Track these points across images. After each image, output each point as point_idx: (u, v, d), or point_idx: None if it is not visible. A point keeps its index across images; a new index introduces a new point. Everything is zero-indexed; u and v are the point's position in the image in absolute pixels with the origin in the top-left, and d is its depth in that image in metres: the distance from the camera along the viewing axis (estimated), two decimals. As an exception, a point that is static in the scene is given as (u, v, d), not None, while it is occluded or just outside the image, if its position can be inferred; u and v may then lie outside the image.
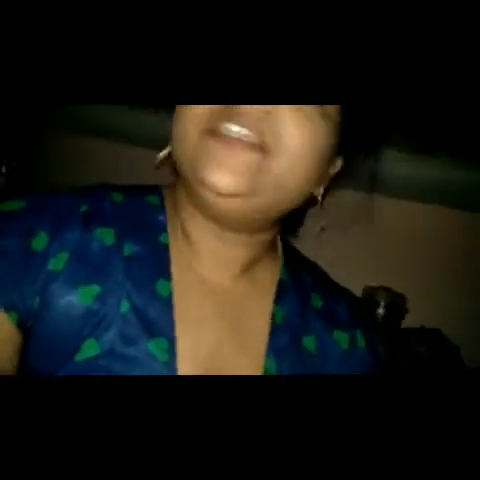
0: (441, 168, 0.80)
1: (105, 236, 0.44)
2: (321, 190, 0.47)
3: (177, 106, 0.43)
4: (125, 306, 0.42)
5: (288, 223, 0.52)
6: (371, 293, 0.81)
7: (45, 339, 0.41)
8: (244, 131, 0.40)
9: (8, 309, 0.40)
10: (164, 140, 0.47)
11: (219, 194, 0.40)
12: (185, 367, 0.42)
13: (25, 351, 0.41)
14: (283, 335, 0.48)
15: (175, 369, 0.41)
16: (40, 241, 0.41)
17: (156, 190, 0.49)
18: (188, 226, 0.47)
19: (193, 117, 0.41)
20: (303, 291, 0.51)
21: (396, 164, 0.81)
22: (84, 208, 0.44)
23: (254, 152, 0.40)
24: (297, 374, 0.47)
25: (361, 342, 0.51)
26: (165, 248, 0.46)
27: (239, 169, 0.40)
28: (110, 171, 0.95)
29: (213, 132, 0.40)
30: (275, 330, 0.48)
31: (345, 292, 0.55)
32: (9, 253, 0.40)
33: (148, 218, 0.47)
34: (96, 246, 0.43)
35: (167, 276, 0.45)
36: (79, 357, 0.40)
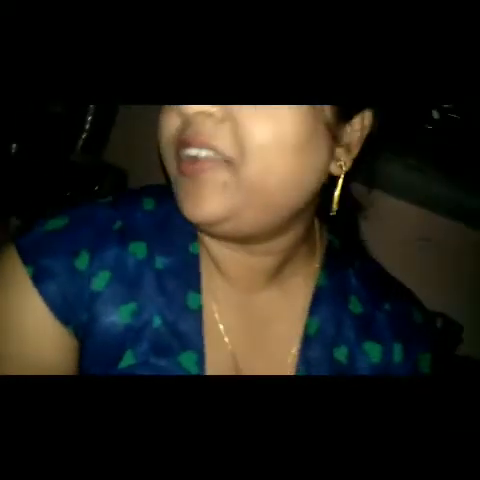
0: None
1: (138, 250, 0.44)
2: (343, 166, 0.42)
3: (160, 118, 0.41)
4: (157, 321, 0.43)
5: (323, 213, 0.46)
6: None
7: (94, 350, 0.43)
8: (203, 152, 0.38)
9: (65, 323, 0.42)
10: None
11: (199, 224, 0.40)
12: None
13: (79, 360, 0.44)
14: (315, 347, 0.46)
15: None
16: (82, 260, 0.42)
17: None
18: (205, 239, 0.45)
19: (166, 140, 0.40)
20: (342, 296, 0.48)
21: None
22: (118, 224, 0.44)
23: (221, 170, 0.38)
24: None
25: (398, 356, 0.48)
26: (195, 258, 0.45)
27: (206, 195, 0.38)
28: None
29: (179, 160, 0.39)
30: (307, 342, 0.46)
31: (395, 295, 0.50)
32: (57, 273, 0.42)
33: (179, 226, 0.45)
34: (131, 262, 0.44)
35: (197, 288, 0.44)
36: (120, 365, 0.42)
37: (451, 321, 0.79)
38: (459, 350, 0.80)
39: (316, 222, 0.50)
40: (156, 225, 0.45)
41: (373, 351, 0.47)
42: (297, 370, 0.46)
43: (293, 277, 0.47)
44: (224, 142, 0.37)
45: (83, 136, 0.96)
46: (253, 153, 0.37)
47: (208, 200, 0.38)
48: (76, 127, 0.95)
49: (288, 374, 0.46)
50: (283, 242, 0.45)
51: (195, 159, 0.38)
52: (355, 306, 0.48)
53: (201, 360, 0.43)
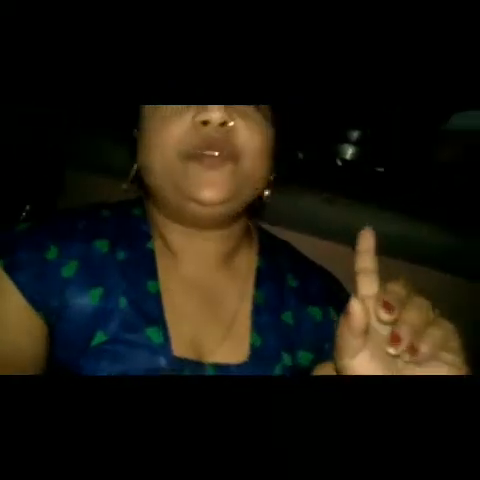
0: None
1: (101, 246, 0.53)
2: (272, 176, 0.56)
3: (141, 137, 0.51)
4: (123, 302, 0.51)
5: (253, 210, 0.59)
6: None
7: (66, 333, 0.49)
8: (216, 152, 0.49)
9: (37, 309, 0.49)
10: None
11: (208, 205, 0.49)
12: (178, 347, 0.51)
13: (51, 344, 0.50)
14: (264, 314, 0.56)
15: (170, 349, 0.50)
16: (52, 252, 0.50)
17: (139, 202, 0.59)
18: (164, 233, 0.56)
19: (170, 145, 0.49)
20: (279, 274, 0.60)
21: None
22: (82, 224, 0.53)
23: (227, 163, 0.49)
24: (280, 345, 0.54)
25: (334, 316, 0.59)
26: (151, 253, 0.54)
27: (221, 182, 0.49)
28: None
29: (192, 157, 0.48)
30: (257, 310, 0.56)
31: (319, 272, 0.64)
32: (28, 264, 0.49)
33: (134, 228, 0.56)
34: (96, 254, 0.52)
35: (154, 277, 0.53)
36: (93, 343, 0.48)
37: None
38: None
39: (250, 222, 0.64)
40: (114, 228, 0.55)
41: (315, 313, 0.59)
42: (251, 333, 0.55)
43: (238, 263, 0.59)
44: (233, 147, 0.50)
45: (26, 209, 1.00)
46: (249, 154, 0.51)
47: (220, 186, 0.49)
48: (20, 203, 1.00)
49: (245, 338, 0.54)
50: (232, 231, 0.57)
51: (214, 156, 0.49)
52: (292, 281, 0.60)
53: (165, 332, 0.50)
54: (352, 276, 0.42)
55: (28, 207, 1.02)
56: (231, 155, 0.50)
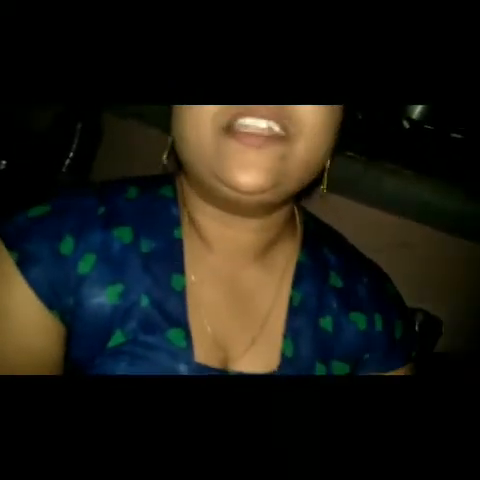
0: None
1: (123, 235, 0.46)
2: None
3: (178, 107, 0.43)
4: (145, 301, 0.45)
5: (301, 194, 0.50)
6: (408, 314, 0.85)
7: (81, 333, 0.44)
8: (262, 124, 0.39)
9: (50, 308, 0.44)
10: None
11: (245, 193, 0.41)
12: (201, 352, 0.45)
13: (68, 345, 0.45)
14: (300, 317, 0.49)
15: (192, 354, 0.45)
16: (67, 245, 0.44)
17: (169, 180, 0.51)
18: (196, 217, 0.48)
19: (206, 116, 0.40)
20: (322, 271, 0.52)
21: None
22: (102, 210, 0.46)
23: (276, 143, 0.40)
24: (314, 355, 0.48)
25: (378, 325, 0.51)
26: (179, 243, 0.47)
27: (264, 166, 0.39)
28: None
29: (231, 130, 0.40)
30: (292, 313, 0.49)
31: (370, 270, 0.55)
32: (41, 258, 0.43)
33: (162, 213, 0.48)
34: (117, 246, 0.45)
35: (180, 270, 0.47)
36: (110, 345, 0.44)
37: (431, 316, 0.84)
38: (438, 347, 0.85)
39: (295, 207, 0.54)
40: (139, 212, 0.48)
41: (359, 320, 0.51)
42: (284, 339, 0.48)
43: (276, 255, 0.51)
44: (282, 116, 0.40)
45: (70, 156, 0.97)
46: (306, 130, 0.41)
47: (261, 171, 0.40)
48: (63, 147, 0.97)
49: (276, 344, 0.48)
50: (276, 218, 0.49)
51: (256, 130, 0.40)
52: (335, 281, 0.52)
53: (188, 335, 0.45)
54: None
55: (72, 154, 0.99)
56: (281, 132, 0.40)
